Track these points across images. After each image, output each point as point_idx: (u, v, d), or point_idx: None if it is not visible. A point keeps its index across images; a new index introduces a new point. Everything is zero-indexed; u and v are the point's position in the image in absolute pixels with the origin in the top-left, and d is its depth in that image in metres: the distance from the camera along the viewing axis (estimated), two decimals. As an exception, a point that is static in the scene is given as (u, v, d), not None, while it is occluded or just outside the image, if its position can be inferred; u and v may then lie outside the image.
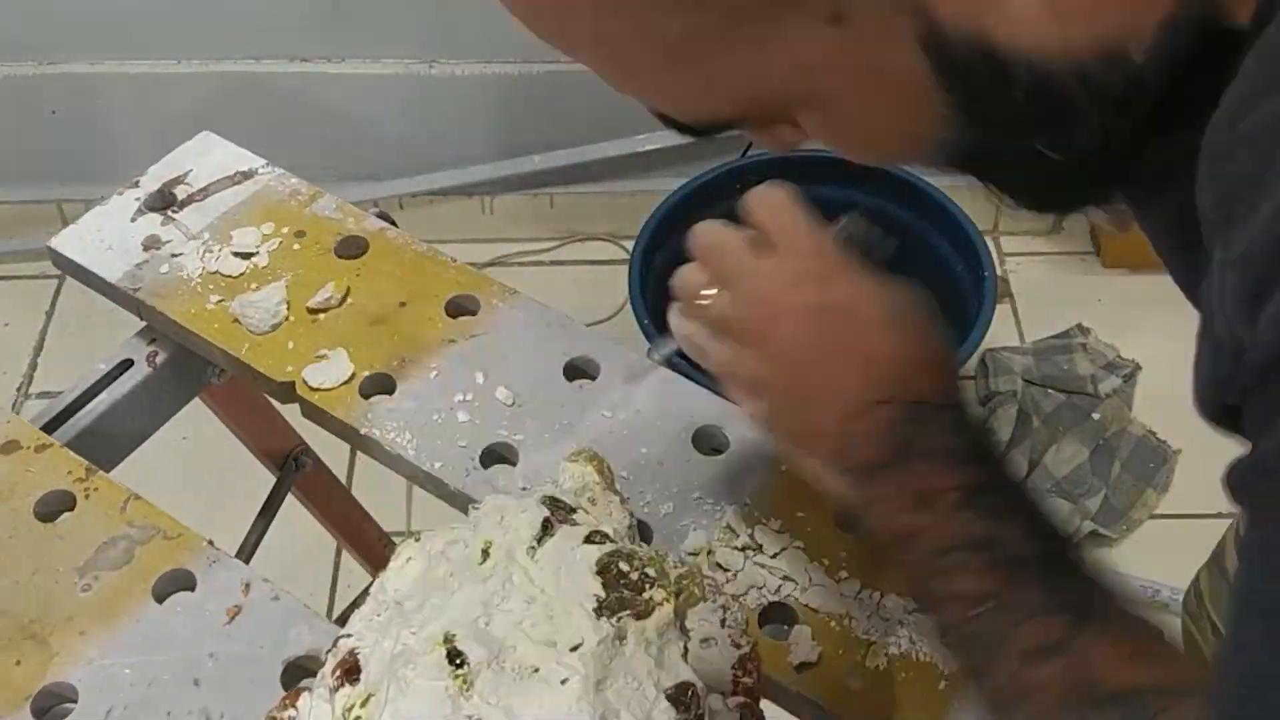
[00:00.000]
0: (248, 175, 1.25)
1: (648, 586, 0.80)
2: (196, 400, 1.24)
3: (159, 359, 1.16)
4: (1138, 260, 2.50)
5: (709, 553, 0.97)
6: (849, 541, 0.98)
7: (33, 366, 2.46)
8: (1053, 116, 0.59)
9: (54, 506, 1.01)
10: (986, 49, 0.56)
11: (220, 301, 1.14)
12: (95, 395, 1.13)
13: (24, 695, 0.90)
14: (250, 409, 1.40)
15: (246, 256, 1.17)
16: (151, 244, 1.19)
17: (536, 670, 0.75)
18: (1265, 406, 0.53)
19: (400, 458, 1.04)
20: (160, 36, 2.38)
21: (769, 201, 0.86)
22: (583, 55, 0.65)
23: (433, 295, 1.14)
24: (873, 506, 0.78)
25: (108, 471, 1.06)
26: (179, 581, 0.97)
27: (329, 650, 0.82)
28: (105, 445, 1.12)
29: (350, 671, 0.78)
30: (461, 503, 1.02)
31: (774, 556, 0.97)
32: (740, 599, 0.94)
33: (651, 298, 2.02)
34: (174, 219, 1.21)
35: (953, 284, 2.10)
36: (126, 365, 1.15)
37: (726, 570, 0.96)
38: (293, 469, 1.50)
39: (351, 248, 1.18)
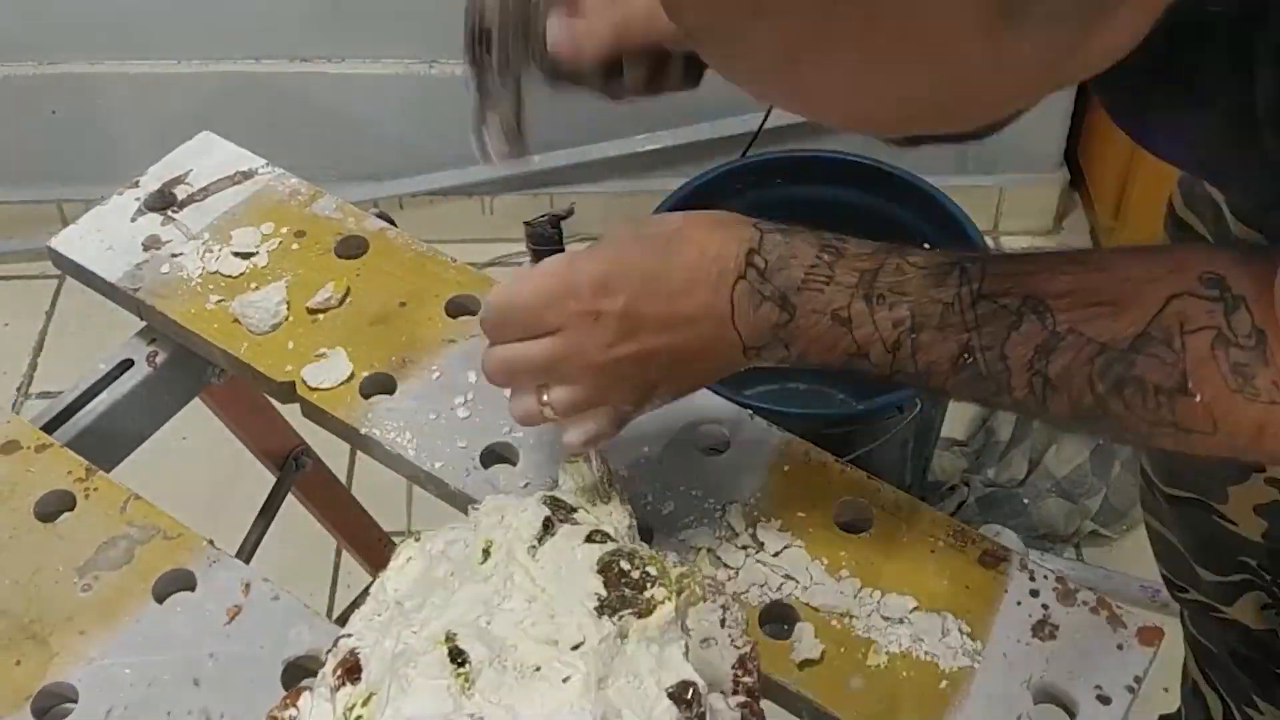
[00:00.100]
0: (248, 175, 1.25)
1: (649, 585, 0.80)
2: (196, 400, 1.24)
3: (159, 359, 1.16)
4: (1138, 260, 2.50)
5: (710, 552, 0.97)
6: (850, 541, 0.98)
7: (33, 366, 2.46)
8: None
9: (54, 506, 1.01)
10: None
11: (220, 301, 1.14)
12: (95, 395, 1.13)
13: (24, 695, 0.91)
14: (250, 409, 1.40)
15: (246, 256, 1.17)
16: (151, 244, 1.19)
17: (538, 669, 0.75)
18: None
19: (400, 457, 1.04)
20: (160, 36, 2.38)
21: (502, 315, 0.88)
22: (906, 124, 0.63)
23: (433, 295, 1.14)
24: (806, 356, 0.82)
25: (108, 471, 1.06)
26: (179, 581, 0.97)
27: (329, 650, 0.82)
28: (105, 445, 1.12)
29: (351, 671, 0.78)
30: (462, 502, 1.02)
31: (775, 555, 0.97)
32: (741, 597, 0.94)
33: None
34: (174, 219, 1.21)
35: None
36: (127, 365, 1.15)
37: (728, 569, 0.96)
38: (293, 469, 1.50)
39: (351, 248, 1.19)
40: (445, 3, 2.39)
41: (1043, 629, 0.92)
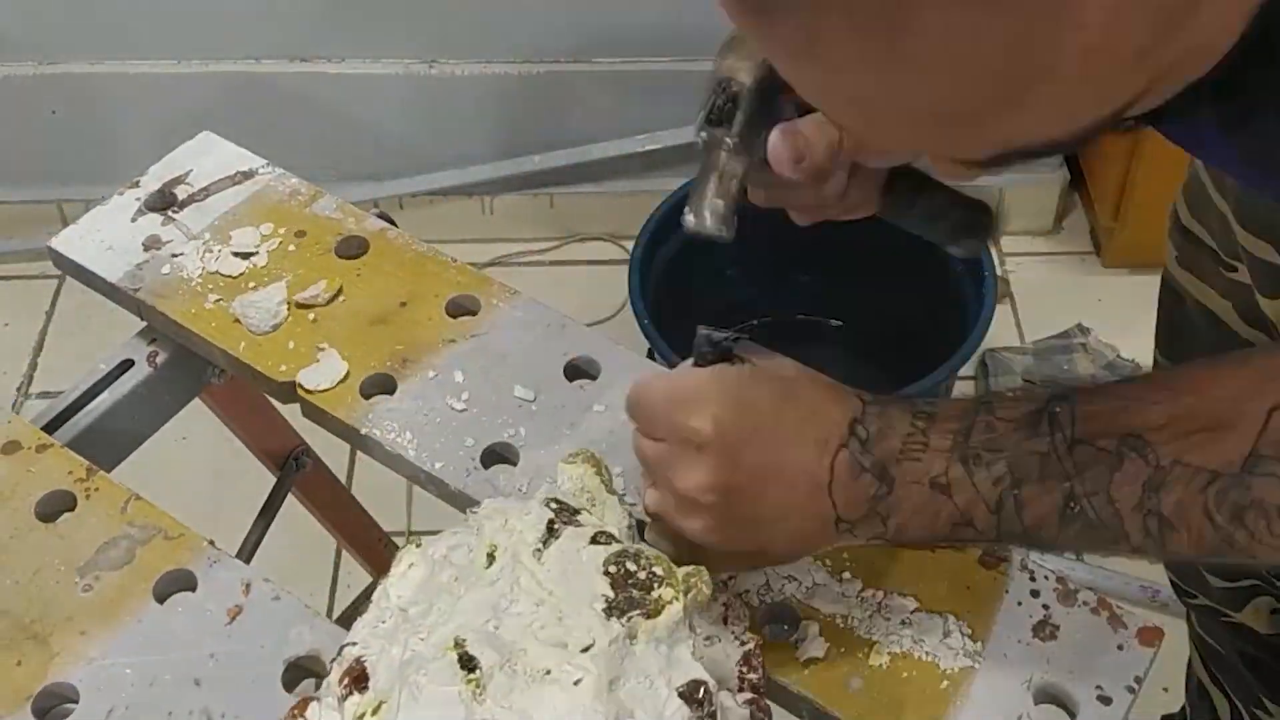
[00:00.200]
0: (248, 175, 1.25)
1: (656, 585, 0.80)
2: (197, 400, 1.24)
3: (159, 359, 1.16)
4: (1138, 260, 2.50)
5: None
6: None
7: (33, 366, 2.46)
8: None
9: (55, 506, 1.01)
10: None
11: (220, 302, 1.14)
12: (96, 395, 1.13)
13: (25, 695, 0.91)
14: (251, 409, 1.40)
15: (246, 256, 1.17)
16: (152, 244, 1.19)
17: (548, 672, 0.75)
18: None
19: (401, 458, 1.04)
20: (160, 36, 2.37)
21: (644, 410, 0.86)
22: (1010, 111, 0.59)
23: (433, 295, 1.14)
24: (906, 530, 0.80)
25: (108, 471, 1.06)
26: (180, 582, 0.97)
27: (334, 659, 0.81)
28: (106, 445, 1.12)
29: (358, 680, 0.78)
30: (462, 503, 1.02)
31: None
32: (743, 597, 0.94)
33: (651, 298, 2.02)
34: (174, 219, 1.21)
35: (953, 284, 2.10)
36: (127, 365, 1.15)
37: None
38: (293, 469, 1.50)
39: (352, 248, 1.18)
40: (445, 3, 2.41)
41: (1043, 629, 0.92)
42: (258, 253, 1.17)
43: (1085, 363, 2.37)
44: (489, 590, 0.80)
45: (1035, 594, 0.94)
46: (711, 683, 0.77)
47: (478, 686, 0.74)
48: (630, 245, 2.13)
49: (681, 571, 0.82)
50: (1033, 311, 2.49)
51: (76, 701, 0.91)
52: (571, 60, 2.40)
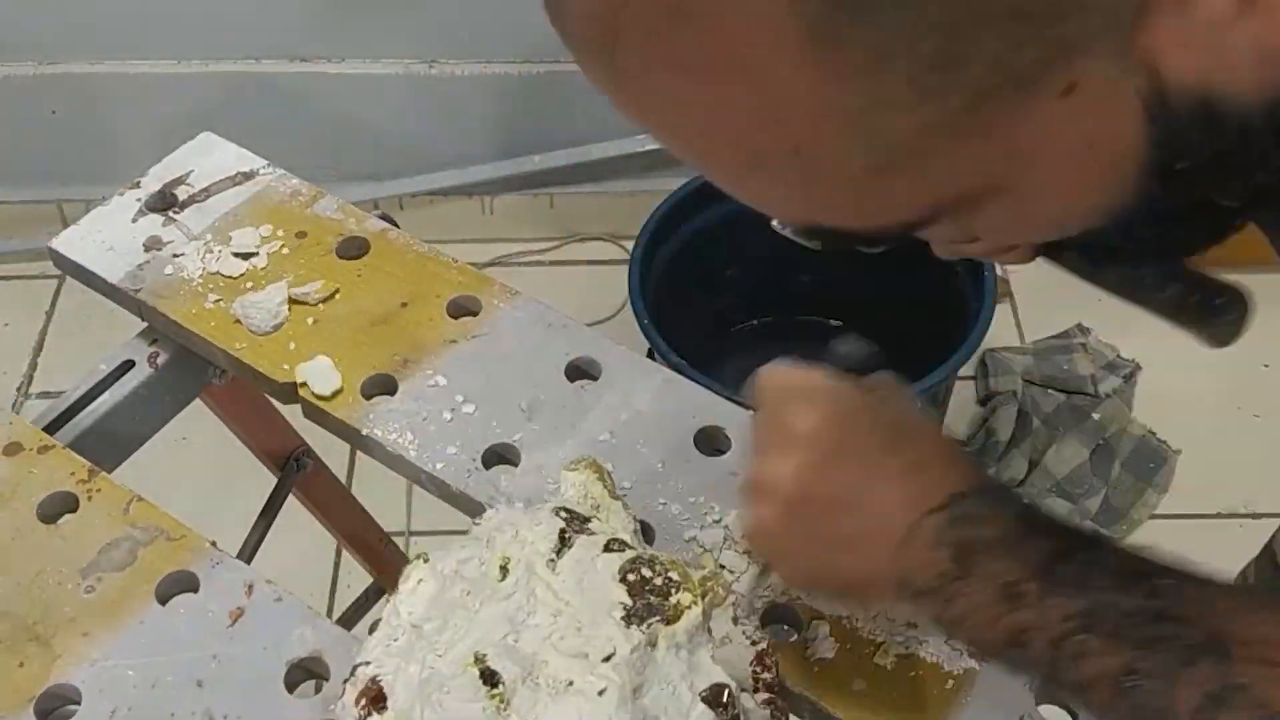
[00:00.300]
0: (249, 176, 1.25)
1: (673, 591, 0.79)
2: (197, 401, 1.24)
3: (160, 360, 1.16)
4: (1137, 260, 2.50)
5: (712, 552, 0.97)
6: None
7: (33, 366, 2.46)
8: (1241, 168, 0.59)
9: (57, 508, 1.01)
10: (1206, 101, 0.55)
11: (221, 302, 1.14)
12: (97, 396, 1.13)
13: (27, 697, 0.90)
14: (252, 409, 1.40)
15: (247, 257, 1.17)
16: (153, 245, 1.19)
17: (571, 683, 0.75)
18: None
19: (402, 458, 1.04)
20: (160, 36, 2.37)
21: (762, 392, 0.85)
22: (756, 178, 0.59)
23: (434, 296, 1.14)
24: (962, 623, 0.76)
25: (109, 472, 1.06)
26: (182, 583, 0.97)
27: (346, 679, 0.81)
28: (107, 446, 1.12)
29: (376, 700, 0.78)
30: (463, 504, 1.02)
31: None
32: (747, 596, 0.94)
33: (651, 298, 2.02)
34: (175, 220, 1.21)
35: (953, 284, 2.10)
36: (128, 366, 1.15)
37: (731, 573, 0.96)
38: (294, 470, 1.50)
39: (353, 248, 1.18)
40: (445, 3, 2.41)
41: (1045, 630, 0.92)
42: (258, 253, 1.17)
43: (1085, 363, 2.37)
44: (505, 603, 0.80)
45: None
46: (734, 685, 0.77)
47: (501, 701, 0.74)
48: (630, 245, 2.13)
49: (697, 575, 0.82)
50: (1033, 311, 2.49)
51: (79, 703, 0.91)
52: (571, 60, 2.39)
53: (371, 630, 0.85)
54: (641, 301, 2.00)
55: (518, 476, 1.03)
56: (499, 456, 1.04)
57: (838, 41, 0.51)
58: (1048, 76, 0.53)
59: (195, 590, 0.96)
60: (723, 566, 0.96)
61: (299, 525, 1.62)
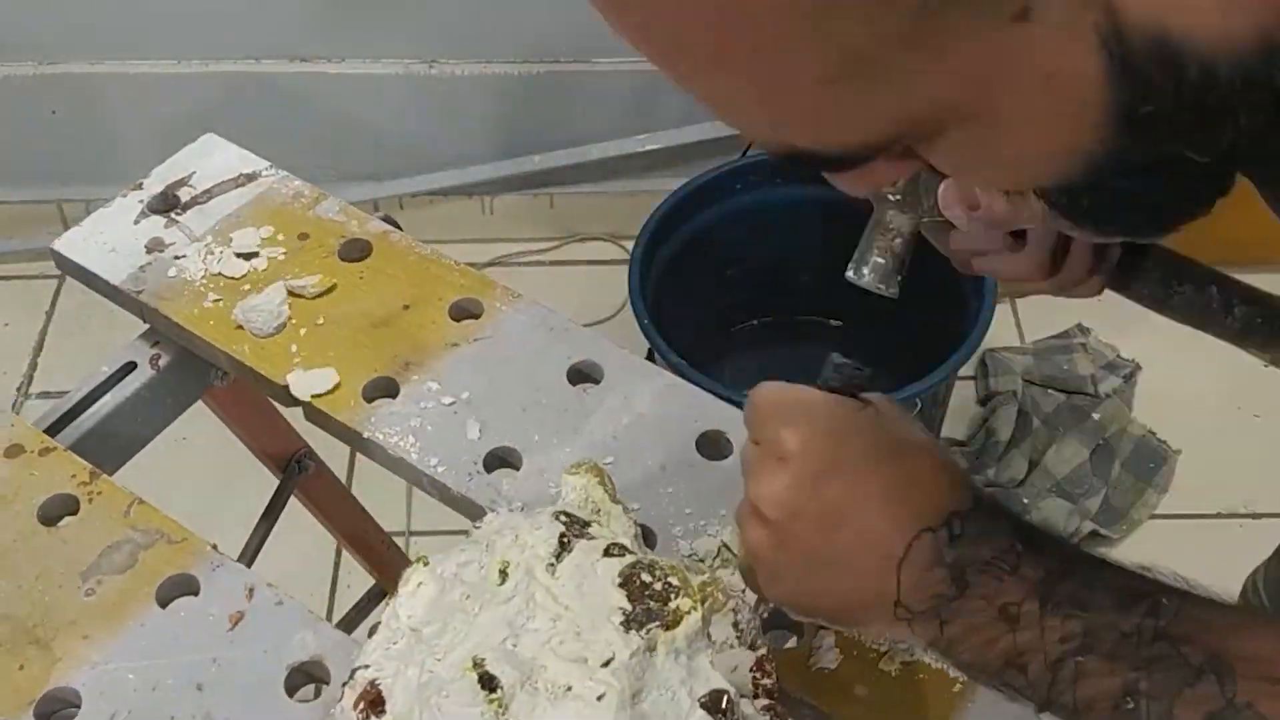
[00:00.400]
0: (251, 178, 1.25)
1: (673, 596, 0.79)
2: (199, 403, 1.24)
3: (162, 362, 1.16)
4: (1138, 260, 2.50)
5: (715, 556, 0.97)
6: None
7: (33, 366, 2.46)
8: (1208, 119, 0.58)
9: (57, 510, 1.01)
10: (1163, 41, 0.55)
11: (223, 304, 1.14)
12: (99, 398, 1.13)
13: (27, 700, 0.91)
14: (253, 411, 1.40)
15: (249, 258, 1.17)
16: (154, 246, 1.19)
17: (570, 688, 0.75)
18: None
19: (403, 461, 1.04)
20: (160, 36, 2.37)
21: (752, 412, 0.84)
22: (719, 79, 0.58)
23: (436, 299, 1.14)
24: (959, 644, 0.75)
25: (111, 475, 1.06)
26: (182, 586, 0.97)
27: (345, 683, 0.81)
28: (109, 448, 1.12)
29: (374, 703, 0.78)
30: (464, 507, 1.02)
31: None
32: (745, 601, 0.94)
33: (651, 298, 2.02)
34: (177, 221, 1.21)
35: (953, 284, 2.10)
36: (130, 368, 1.15)
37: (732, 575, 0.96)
38: (295, 471, 1.49)
39: (355, 250, 1.18)
40: (445, 3, 2.41)
41: (1047, 634, 0.92)
42: (260, 255, 1.17)
43: (1085, 363, 2.37)
44: (504, 607, 0.80)
45: (1039, 599, 0.94)
46: (733, 692, 0.77)
47: (500, 706, 0.74)
48: (630, 245, 2.13)
49: (697, 580, 0.81)
50: (1033, 311, 2.49)
51: (79, 706, 0.91)
52: (571, 60, 2.40)
53: (371, 633, 0.85)
54: (641, 301, 2.00)
55: (519, 480, 1.02)
56: (500, 460, 1.04)
57: None
58: None
59: (196, 593, 0.96)
60: (724, 569, 0.96)
61: (299, 526, 1.62)
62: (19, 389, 2.41)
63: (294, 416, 1.18)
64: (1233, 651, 0.67)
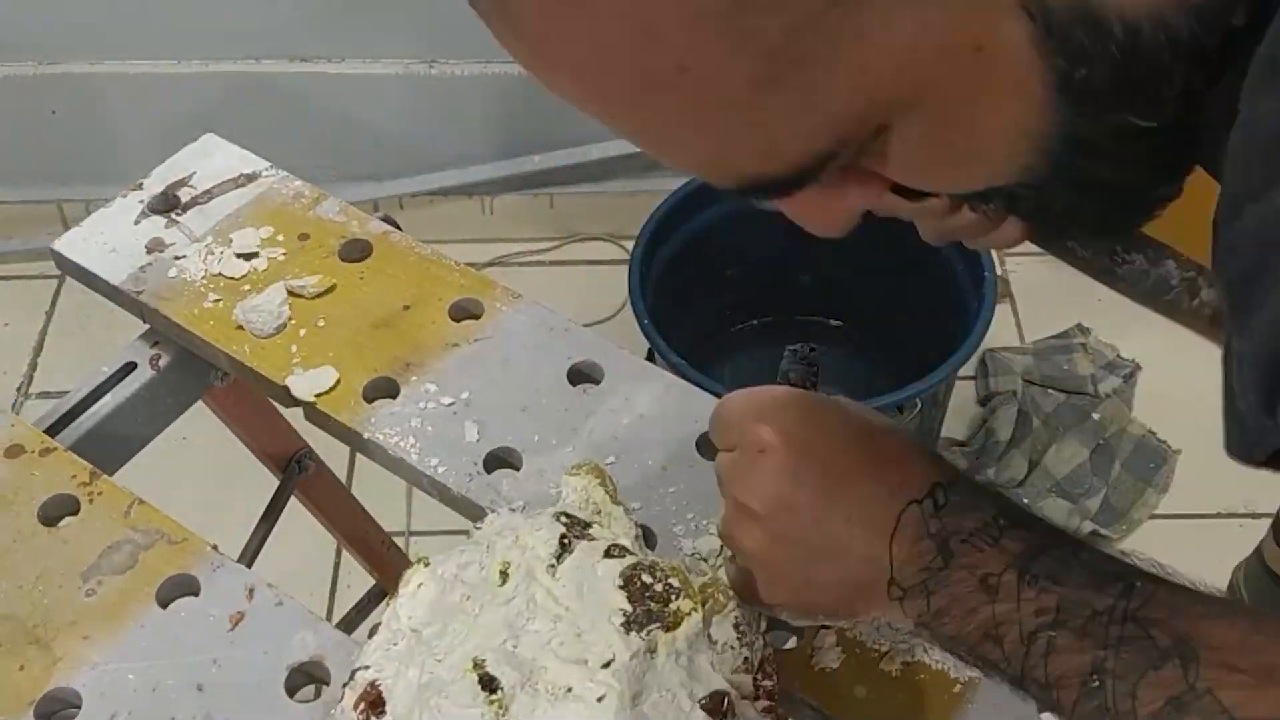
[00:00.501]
0: (251, 178, 1.25)
1: (674, 597, 0.79)
2: (199, 403, 1.24)
3: (162, 362, 1.16)
4: (1138, 260, 2.50)
5: (717, 555, 0.97)
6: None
7: (33, 366, 2.46)
8: (1144, 80, 0.58)
9: (58, 510, 1.01)
10: (1085, 6, 0.55)
11: (223, 304, 1.14)
12: (99, 398, 1.13)
13: (28, 700, 0.90)
14: (254, 412, 1.40)
15: (249, 259, 1.17)
16: (155, 247, 1.19)
17: (570, 690, 0.75)
18: None
19: (403, 462, 1.04)
20: (160, 36, 2.37)
21: (721, 421, 0.84)
22: (655, 105, 0.58)
23: (436, 299, 1.14)
24: (943, 617, 0.75)
25: (111, 475, 1.06)
26: (183, 587, 0.97)
27: (345, 684, 0.81)
28: (109, 449, 1.12)
29: (374, 704, 0.78)
30: (464, 508, 1.02)
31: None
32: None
33: (651, 298, 2.02)
34: (177, 222, 1.21)
35: (953, 284, 2.10)
36: (130, 368, 1.15)
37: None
38: (295, 472, 1.49)
39: (355, 251, 1.18)
40: (445, 3, 2.40)
41: (1048, 635, 0.92)
42: (260, 255, 1.17)
43: (1085, 363, 2.37)
44: (505, 608, 0.79)
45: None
46: (734, 693, 0.77)
47: (500, 707, 0.74)
48: (630, 245, 2.13)
49: (698, 582, 0.81)
50: (1033, 311, 2.49)
51: (79, 707, 0.91)
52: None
53: (371, 634, 0.85)
54: (641, 302, 2.00)
55: (519, 481, 1.02)
56: (500, 460, 1.04)
57: None
58: None
59: (196, 594, 0.96)
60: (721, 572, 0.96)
61: (299, 526, 1.62)
62: (19, 389, 2.41)
63: (294, 417, 1.18)
64: (1200, 638, 0.68)
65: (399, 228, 1.21)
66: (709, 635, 0.80)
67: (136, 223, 1.21)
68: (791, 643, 0.93)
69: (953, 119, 0.60)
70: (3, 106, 2.45)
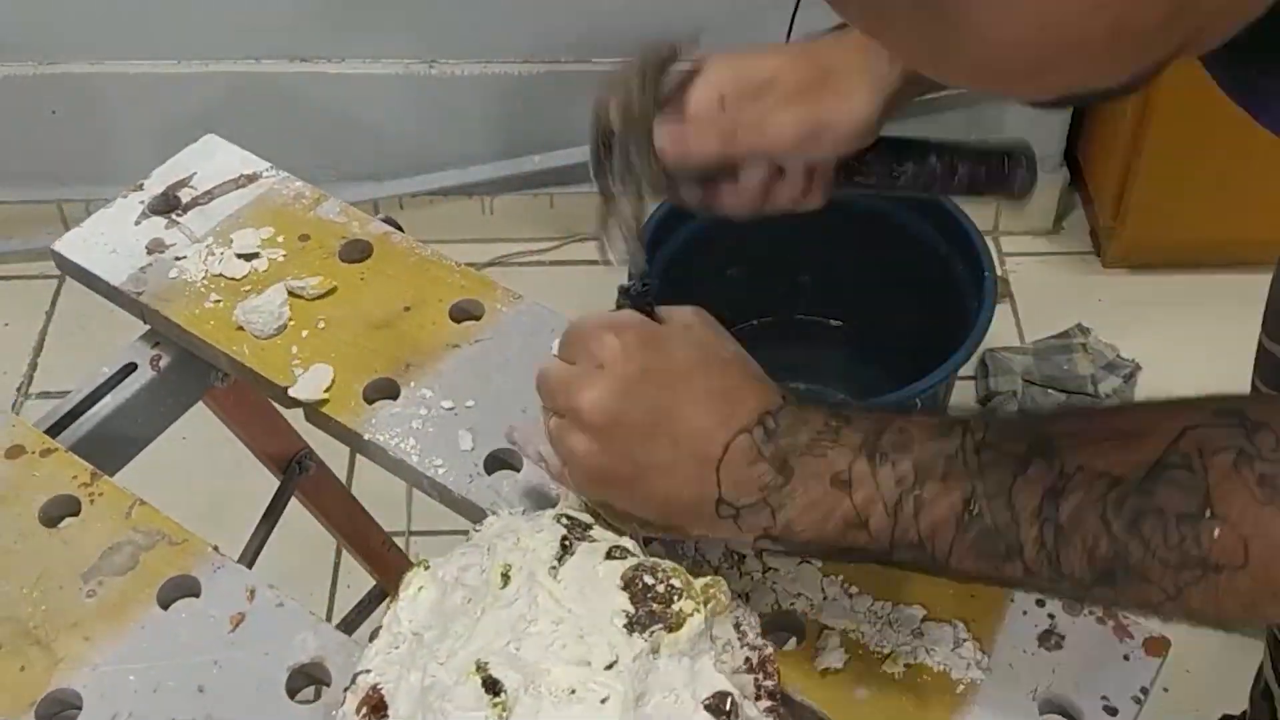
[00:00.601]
0: (252, 179, 1.25)
1: (676, 598, 0.79)
2: (199, 404, 1.24)
3: (163, 363, 1.16)
4: (1138, 260, 2.50)
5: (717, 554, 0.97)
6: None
7: (33, 367, 2.46)
8: None
9: (58, 511, 1.01)
10: None
11: (223, 305, 1.14)
12: (99, 399, 1.13)
13: (29, 701, 0.90)
14: (254, 412, 1.40)
15: (250, 260, 1.17)
16: (155, 247, 1.19)
17: (573, 692, 0.75)
18: None
19: (403, 463, 1.04)
20: (160, 36, 2.37)
21: (566, 335, 0.87)
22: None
23: (437, 300, 1.14)
24: (795, 526, 0.78)
25: (111, 476, 1.06)
26: (183, 587, 0.96)
27: (347, 688, 0.81)
28: (110, 449, 1.12)
29: (376, 708, 0.78)
30: (465, 509, 1.02)
31: (788, 573, 0.96)
32: (751, 604, 0.94)
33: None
34: (178, 222, 1.21)
35: (953, 284, 2.10)
36: (130, 369, 1.15)
37: (742, 576, 0.95)
38: (296, 472, 1.49)
39: (355, 252, 1.18)
40: (445, 3, 2.41)
41: (1049, 639, 0.92)
42: (260, 256, 1.17)
43: (1085, 363, 2.37)
44: (507, 611, 0.79)
45: (1040, 603, 0.94)
46: (737, 694, 0.77)
47: (504, 710, 0.74)
48: (630, 246, 2.12)
49: (699, 582, 0.81)
50: (1033, 311, 2.49)
51: (80, 707, 0.90)
52: (571, 60, 2.40)
53: (372, 638, 0.85)
54: (642, 302, 2.00)
55: (519, 482, 1.02)
56: (501, 462, 1.04)
57: None
58: None
59: (197, 595, 0.96)
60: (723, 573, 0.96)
61: (298, 526, 1.62)
62: (19, 389, 2.41)
63: (294, 417, 1.18)
64: (1052, 433, 0.72)
65: (400, 228, 1.21)
66: (711, 635, 0.80)
67: (137, 223, 1.21)
68: (793, 644, 0.93)
69: None
70: (3, 106, 2.45)
